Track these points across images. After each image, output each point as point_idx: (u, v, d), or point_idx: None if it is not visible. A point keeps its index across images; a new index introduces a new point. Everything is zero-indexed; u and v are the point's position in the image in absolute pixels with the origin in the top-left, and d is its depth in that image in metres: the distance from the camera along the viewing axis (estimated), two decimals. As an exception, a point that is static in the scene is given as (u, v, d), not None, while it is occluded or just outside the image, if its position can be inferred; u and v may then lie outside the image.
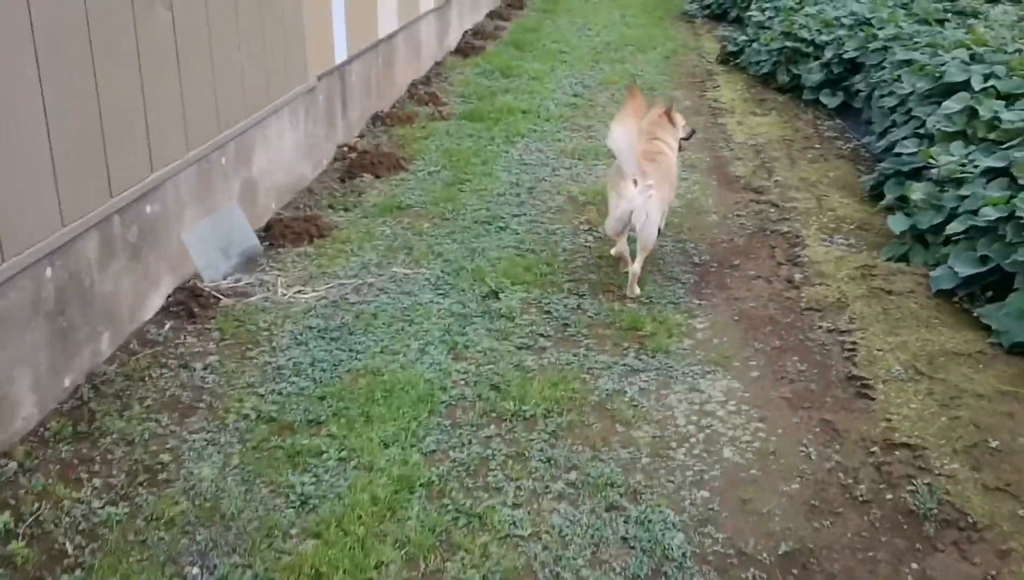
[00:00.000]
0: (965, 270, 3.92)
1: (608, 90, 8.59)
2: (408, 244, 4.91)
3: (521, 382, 3.51)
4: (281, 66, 5.23)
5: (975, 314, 3.82)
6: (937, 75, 5.69)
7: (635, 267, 4.34)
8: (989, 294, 3.90)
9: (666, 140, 4.71)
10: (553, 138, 6.95)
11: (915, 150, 5.18)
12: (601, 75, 9.19)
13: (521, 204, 5.55)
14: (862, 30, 7.94)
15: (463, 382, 3.54)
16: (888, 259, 4.57)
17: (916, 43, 7.00)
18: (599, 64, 9.72)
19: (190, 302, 4.00)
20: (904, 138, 5.46)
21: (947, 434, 3.09)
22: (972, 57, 5.88)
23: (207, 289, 4.14)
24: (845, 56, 7.62)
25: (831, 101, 7.62)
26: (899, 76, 6.17)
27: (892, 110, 5.99)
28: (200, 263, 4.23)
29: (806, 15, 8.99)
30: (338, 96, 6.39)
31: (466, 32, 11.10)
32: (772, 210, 5.39)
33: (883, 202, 4.93)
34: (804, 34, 8.40)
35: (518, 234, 5.07)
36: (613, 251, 4.58)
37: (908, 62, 6.48)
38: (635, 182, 4.16)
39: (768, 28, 9.57)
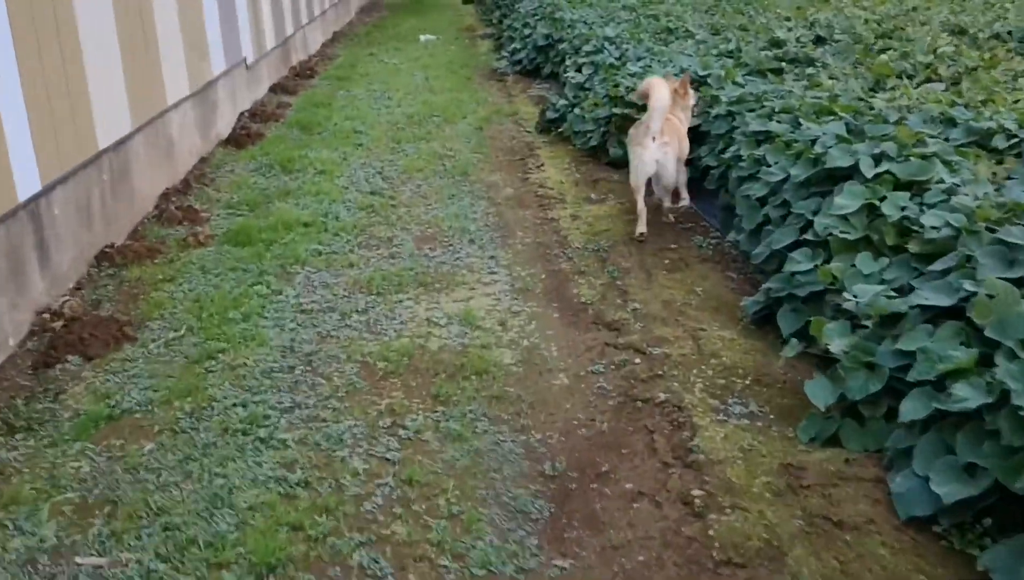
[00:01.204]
0: (947, 490, 2.61)
1: (413, 180, 7.10)
2: (112, 494, 3.18)
3: None
4: None
5: (979, 565, 2.51)
6: (813, 157, 4.52)
7: (666, 203, 5.72)
8: (987, 523, 2.61)
9: (676, 114, 5.75)
10: (344, 263, 5.36)
11: (810, 266, 3.94)
12: (404, 160, 7.70)
13: (295, 386, 3.93)
14: (699, 92, 6.84)
15: None
16: (811, 440, 3.25)
17: (765, 106, 5.91)
18: (401, 145, 8.23)
19: None
20: (789, 246, 4.23)
21: None
22: (848, 129, 4.76)
23: None
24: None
25: (676, 179, 6.42)
26: (763, 156, 5.00)
27: (762, 201, 4.78)
28: None
29: (630, 74, 7.85)
30: (30, 243, 4.57)
31: (242, 114, 9.37)
32: (638, 361, 4.01)
33: (785, 353, 3.59)
34: (634, 98, 7.21)
35: (288, 449, 3.44)
36: (639, 207, 5.54)
37: (766, 134, 5.35)
38: (653, 139, 5.38)
39: (589, 90, 8.39)
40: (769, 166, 4.86)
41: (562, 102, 8.56)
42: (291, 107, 10.07)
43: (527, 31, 12.77)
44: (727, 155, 5.61)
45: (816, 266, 3.90)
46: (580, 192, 6.67)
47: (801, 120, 5.28)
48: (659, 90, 5.38)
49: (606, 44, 9.85)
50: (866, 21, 9.79)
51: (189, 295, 4.90)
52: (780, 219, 4.56)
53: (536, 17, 13.08)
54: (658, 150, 5.40)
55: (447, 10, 23.14)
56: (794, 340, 3.55)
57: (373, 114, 9.58)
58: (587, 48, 9.95)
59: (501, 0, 17.66)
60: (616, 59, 8.87)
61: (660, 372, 3.87)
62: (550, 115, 8.53)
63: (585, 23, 11.54)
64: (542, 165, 7.43)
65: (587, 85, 8.57)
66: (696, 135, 6.49)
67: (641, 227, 5.46)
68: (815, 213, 4.24)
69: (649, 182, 5.63)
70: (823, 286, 3.79)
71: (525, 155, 7.81)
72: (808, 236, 4.15)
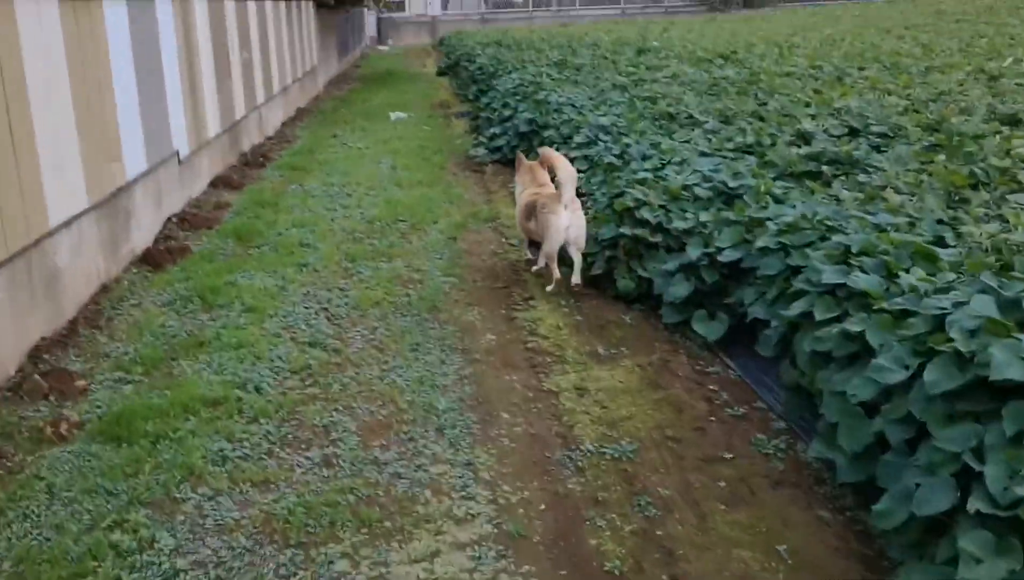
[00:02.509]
0: None
1: (367, 320, 5.52)
2: None
3: None
4: None
5: None
6: (953, 351, 2.99)
7: (577, 261, 5.85)
8: None
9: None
10: (256, 477, 3.73)
11: (1002, 574, 2.36)
12: (358, 288, 6.12)
13: None
14: (730, 209, 5.36)
15: None
16: None
17: (832, 240, 4.42)
18: (356, 264, 6.66)
19: None
20: (947, 511, 2.66)
21: None
22: (994, 294, 3.24)
23: None
24: (721, 259, 4.96)
25: (710, 331, 4.89)
26: (860, 332, 3.47)
27: (871, 406, 3.23)
28: None
29: (638, 180, 6.35)
30: None
31: (170, 220, 7.79)
32: None
33: None
34: (645, 214, 5.72)
35: None
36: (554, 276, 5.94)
37: (845, 290, 3.84)
38: (565, 207, 5.78)
39: (585, 195, 6.90)
40: (873, 353, 3.32)
41: (553, 210, 7.04)
42: (231, 208, 8.50)
43: (507, 112, 11.37)
44: (791, 312, 4.08)
45: (1015, 571, 2.33)
46: (583, 343, 5.10)
47: (898, 273, 3.78)
48: (564, 162, 6.01)
49: (600, 134, 8.43)
50: (904, 111, 8.43)
51: (11, 551, 3.23)
52: (905, 445, 3.01)
53: (517, 97, 11.70)
54: (570, 216, 5.78)
55: (420, 81, 21.93)
56: None
57: (326, 218, 8.03)
58: (578, 139, 8.52)
59: (478, 74, 16.38)
60: (616, 156, 7.42)
61: None
62: (539, 226, 7.00)
63: (573, 106, 10.14)
64: (531, 298, 5.88)
65: (581, 189, 7.08)
66: (734, 272, 4.99)
67: (553, 287, 5.93)
68: (979, 455, 2.69)
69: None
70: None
71: (509, 281, 6.26)
72: (978, 500, 2.58)
